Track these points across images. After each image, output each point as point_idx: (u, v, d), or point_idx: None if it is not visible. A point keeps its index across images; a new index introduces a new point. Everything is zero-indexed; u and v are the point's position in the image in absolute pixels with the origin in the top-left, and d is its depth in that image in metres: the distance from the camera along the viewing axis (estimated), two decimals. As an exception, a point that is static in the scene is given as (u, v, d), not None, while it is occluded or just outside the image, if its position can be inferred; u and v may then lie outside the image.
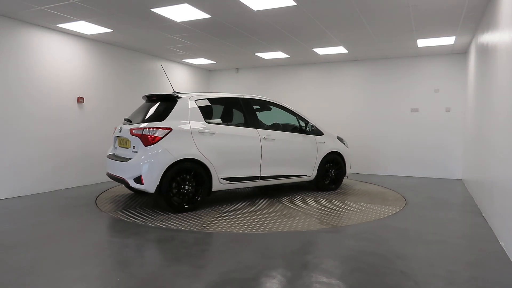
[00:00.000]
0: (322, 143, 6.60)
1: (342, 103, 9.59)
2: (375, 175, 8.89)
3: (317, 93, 9.86)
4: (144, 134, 4.98)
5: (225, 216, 4.92)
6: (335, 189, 6.84)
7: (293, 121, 6.53)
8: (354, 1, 5.04)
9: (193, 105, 5.32)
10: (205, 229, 4.33)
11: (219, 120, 5.69)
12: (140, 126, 5.13)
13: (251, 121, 5.86)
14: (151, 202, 5.66)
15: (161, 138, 4.93)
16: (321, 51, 8.26)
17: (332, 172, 6.80)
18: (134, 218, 4.80)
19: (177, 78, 9.82)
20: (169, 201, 4.94)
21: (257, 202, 5.84)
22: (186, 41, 7.43)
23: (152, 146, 4.90)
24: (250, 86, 10.63)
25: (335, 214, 5.04)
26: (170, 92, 5.86)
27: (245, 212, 5.12)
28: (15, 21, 5.97)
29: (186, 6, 5.23)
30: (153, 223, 4.54)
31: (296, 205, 5.60)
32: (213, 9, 5.37)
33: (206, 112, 5.47)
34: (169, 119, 5.10)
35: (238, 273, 3.05)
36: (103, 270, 3.15)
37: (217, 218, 4.81)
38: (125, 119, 5.71)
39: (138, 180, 4.87)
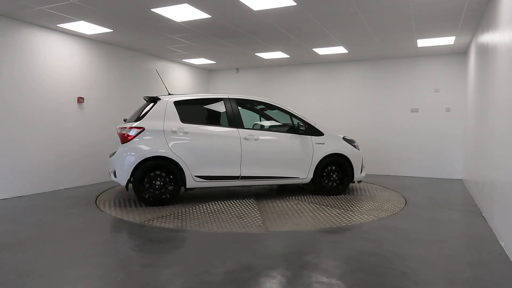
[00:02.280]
0: (321, 144, 6.22)
1: (342, 103, 9.59)
2: (375, 175, 8.88)
3: (317, 93, 9.86)
4: (121, 133, 5.56)
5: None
6: (337, 194, 6.35)
7: (288, 121, 6.32)
8: (354, 1, 5.04)
9: (170, 106, 5.66)
10: (205, 229, 4.33)
11: (195, 120, 5.79)
12: (121, 126, 5.69)
13: (233, 121, 5.88)
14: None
15: (134, 136, 5.42)
16: (321, 51, 8.26)
17: (334, 176, 6.31)
18: (134, 218, 4.80)
19: (177, 78, 9.82)
20: (139, 195, 5.37)
21: (234, 201, 5.87)
22: (186, 41, 7.43)
23: (126, 143, 5.44)
24: (250, 86, 10.64)
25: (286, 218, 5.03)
26: (166, 93, 5.98)
27: (206, 212, 5.13)
28: (15, 21, 5.97)
29: (186, 6, 5.24)
30: (153, 223, 4.55)
31: (265, 207, 5.49)
32: (213, 9, 5.37)
33: (184, 113, 5.72)
34: (145, 119, 5.54)
35: (238, 273, 3.05)
36: (103, 270, 3.15)
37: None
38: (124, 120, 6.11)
39: (115, 174, 5.49)
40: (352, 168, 6.36)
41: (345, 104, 9.56)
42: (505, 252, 3.56)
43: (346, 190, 6.62)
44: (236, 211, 5.24)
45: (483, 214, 5.03)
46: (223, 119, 5.98)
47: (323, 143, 6.25)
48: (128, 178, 5.32)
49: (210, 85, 11.28)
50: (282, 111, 6.30)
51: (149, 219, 4.71)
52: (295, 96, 10.07)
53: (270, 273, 3.06)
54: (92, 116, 7.40)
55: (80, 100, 7.10)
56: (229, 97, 6.05)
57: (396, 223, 4.64)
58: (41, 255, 3.46)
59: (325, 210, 5.27)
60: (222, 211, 5.21)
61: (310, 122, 6.28)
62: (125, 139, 5.46)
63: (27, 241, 3.83)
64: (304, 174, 6.13)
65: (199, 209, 5.31)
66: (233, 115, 5.93)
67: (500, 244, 3.77)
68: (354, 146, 6.51)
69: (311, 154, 6.15)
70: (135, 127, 5.46)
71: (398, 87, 9.00)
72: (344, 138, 6.50)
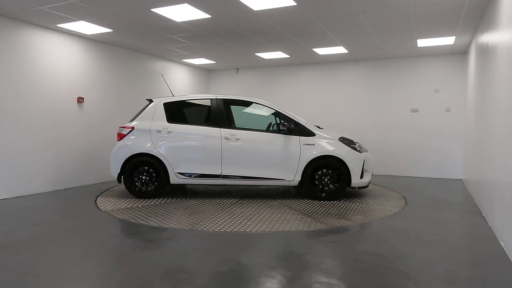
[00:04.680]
0: (310, 145, 5.79)
1: (342, 103, 9.59)
2: (374, 175, 8.87)
3: (317, 93, 9.86)
4: (118, 132, 6.18)
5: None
6: (329, 199, 5.84)
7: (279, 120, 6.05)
8: (354, 1, 5.04)
9: (160, 107, 6.09)
10: (205, 228, 4.33)
11: (181, 120, 6.16)
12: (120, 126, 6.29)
13: (217, 121, 6.00)
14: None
15: (125, 135, 6.03)
16: (321, 51, 8.26)
17: (326, 180, 5.83)
18: (134, 218, 4.80)
19: (177, 78, 9.82)
20: (128, 187, 5.96)
21: (213, 199, 6.00)
22: (186, 41, 7.43)
23: (119, 141, 6.05)
24: (250, 86, 10.64)
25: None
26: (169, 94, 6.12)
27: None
28: (15, 21, 5.97)
29: (186, 6, 5.24)
30: (153, 223, 4.55)
31: (235, 207, 5.46)
32: (213, 9, 5.37)
33: (171, 113, 6.11)
34: (137, 120, 6.11)
35: (238, 273, 3.05)
36: (103, 270, 3.15)
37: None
38: None
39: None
40: (349, 172, 5.77)
41: (345, 104, 9.55)
42: (505, 252, 3.56)
43: (341, 195, 5.92)
44: (199, 208, 5.35)
45: (483, 214, 5.03)
46: (208, 118, 6.15)
47: (313, 144, 5.82)
48: (119, 172, 5.93)
49: (210, 85, 11.28)
50: (272, 110, 6.08)
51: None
52: (295, 96, 10.07)
53: (270, 273, 3.06)
54: (92, 116, 7.40)
55: (80, 100, 7.10)
56: (216, 97, 6.14)
57: (396, 223, 4.64)
58: (41, 255, 3.46)
59: (289, 215, 5.08)
60: (185, 207, 5.44)
61: (300, 122, 5.95)
62: (119, 137, 6.10)
63: (27, 241, 3.83)
64: (291, 176, 5.82)
65: (169, 204, 5.66)
66: (217, 115, 6.04)
67: (500, 244, 3.77)
68: (353, 148, 5.90)
69: (298, 156, 5.79)
70: (126, 127, 6.10)
71: (398, 87, 9.00)
72: (341, 139, 5.96)
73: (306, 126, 5.95)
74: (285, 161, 5.83)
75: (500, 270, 3.16)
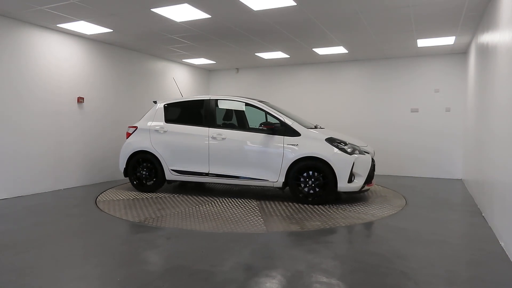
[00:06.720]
0: (293, 145, 5.53)
1: (342, 103, 9.59)
2: (375, 175, 8.87)
3: (317, 93, 9.86)
4: (126, 131, 6.82)
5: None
6: (313, 203, 5.52)
7: (271, 120, 5.90)
8: (354, 1, 5.04)
9: (160, 108, 6.58)
10: (203, 228, 4.33)
11: (175, 120, 6.50)
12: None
13: (208, 121, 6.24)
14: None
15: (131, 134, 6.63)
16: (321, 51, 8.26)
17: (310, 182, 5.49)
18: (134, 218, 4.80)
19: (177, 78, 9.82)
20: (131, 181, 6.61)
21: (196, 197, 6.06)
22: (186, 41, 7.43)
23: (127, 139, 6.67)
24: (250, 86, 10.64)
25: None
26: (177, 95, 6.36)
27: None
28: (15, 21, 5.97)
29: (186, 6, 5.24)
30: (153, 223, 4.55)
31: (204, 207, 5.47)
32: (213, 9, 5.37)
33: (169, 114, 6.54)
34: (142, 120, 6.68)
35: (237, 273, 3.05)
36: (103, 270, 3.15)
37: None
38: None
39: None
40: (335, 176, 5.36)
41: (344, 104, 9.55)
42: (505, 252, 3.56)
43: (328, 199, 5.55)
44: (176, 205, 5.59)
45: (483, 214, 5.03)
46: (200, 118, 6.36)
47: (297, 145, 5.54)
48: (124, 167, 6.57)
49: (210, 85, 11.28)
50: (260, 110, 5.98)
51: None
52: (295, 96, 10.07)
53: (270, 273, 3.06)
54: (92, 116, 7.40)
55: (80, 100, 7.10)
56: (210, 98, 6.34)
57: (396, 223, 4.64)
58: (41, 255, 3.46)
59: (250, 217, 5.16)
60: (165, 202, 5.78)
61: (286, 121, 5.72)
62: (127, 135, 6.72)
63: (27, 241, 3.84)
64: (274, 177, 5.64)
65: (154, 199, 5.92)
66: (208, 114, 6.25)
67: (500, 244, 3.77)
68: (341, 149, 5.44)
69: (281, 156, 5.59)
70: (132, 126, 6.68)
71: (398, 87, 9.00)
72: (328, 140, 5.54)
73: (292, 125, 5.68)
74: (268, 162, 5.68)
75: (500, 270, 3.16)
